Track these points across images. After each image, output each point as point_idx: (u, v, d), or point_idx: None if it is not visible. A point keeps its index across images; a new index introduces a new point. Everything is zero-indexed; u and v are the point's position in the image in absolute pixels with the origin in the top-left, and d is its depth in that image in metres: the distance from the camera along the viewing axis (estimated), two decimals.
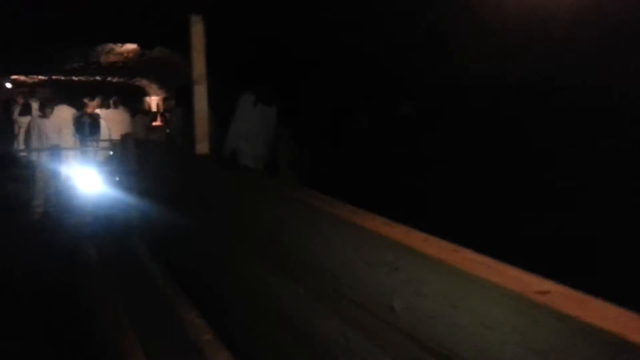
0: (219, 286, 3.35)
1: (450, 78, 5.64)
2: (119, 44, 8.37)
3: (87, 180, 6.79)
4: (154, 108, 13.73)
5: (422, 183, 5.84)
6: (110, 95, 10.09)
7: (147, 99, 14.19)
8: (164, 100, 12.95)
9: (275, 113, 5.32)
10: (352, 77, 6.55)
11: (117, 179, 6.27)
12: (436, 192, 5.55)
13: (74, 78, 12.83)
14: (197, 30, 3.97)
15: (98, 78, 12.81)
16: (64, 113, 8.40)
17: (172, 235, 4.50)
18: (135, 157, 5.82)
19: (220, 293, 3.31)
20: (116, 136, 9.30)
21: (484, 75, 5.08)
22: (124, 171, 5.94)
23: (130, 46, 8.44)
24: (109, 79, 13.11)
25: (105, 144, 8.00)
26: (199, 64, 4.00)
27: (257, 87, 5.93)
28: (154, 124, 11.77)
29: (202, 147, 4.06)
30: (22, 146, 8.00)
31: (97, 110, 8.85)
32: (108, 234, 5.54)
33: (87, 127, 7.99)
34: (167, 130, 7.90)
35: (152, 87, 13.71)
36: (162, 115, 12.30)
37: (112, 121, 9.25)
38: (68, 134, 7.90)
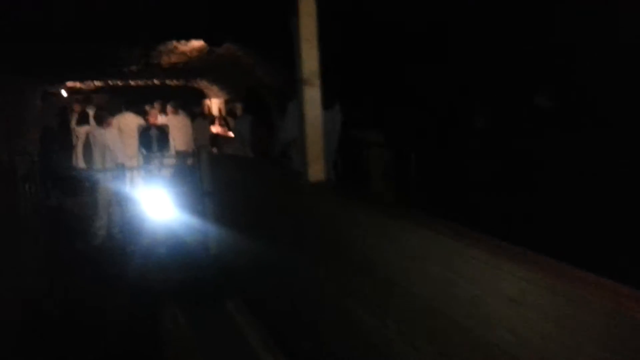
0: None
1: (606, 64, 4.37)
2: (183, 41, 7.40)
3: (156, 201, 5.86)
4: (214, 112, 12.87)
5: (561, 195, 4.61)
6: (168, 99, 9.22)
7: (207, 101, 13.35)
8: (226, 102, 12.06)
9: (338, 116, 4.27)
10: (467, 64, 5.34)
11: (190, 201, 5.32)
12: (578, 204, 4.31)
13: (131, 82, 12.12)
14: (307, 11, 2.86)
15: (156, 81, 12.05)
16: (129, 122, 7.30)
17: (270, 281, 3.47)
18: (210, 176, 4.83)
19: None
20: (179, 144, 8.43)
21: None
22: (198, 192, 4.95)
23: (196, 43, 7.45)
24: (167, 81, 12.34)
25: (172, 159, 7.00)
26: (309, 57, 2.89)
27: None
28: (213, 129, 10.88)
29: (316, 170, 2.97)
30: (81, 161, 7.02)
31: (159, 118, 7.93)
32: (183, 271, 4.58)
33: (154, 142, 6.93)
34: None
35: (212, 89, 12.84)
36: (224, 119, 11.41)
37: (173, 128, 8.37)
38: (133, 147, 6.79)
